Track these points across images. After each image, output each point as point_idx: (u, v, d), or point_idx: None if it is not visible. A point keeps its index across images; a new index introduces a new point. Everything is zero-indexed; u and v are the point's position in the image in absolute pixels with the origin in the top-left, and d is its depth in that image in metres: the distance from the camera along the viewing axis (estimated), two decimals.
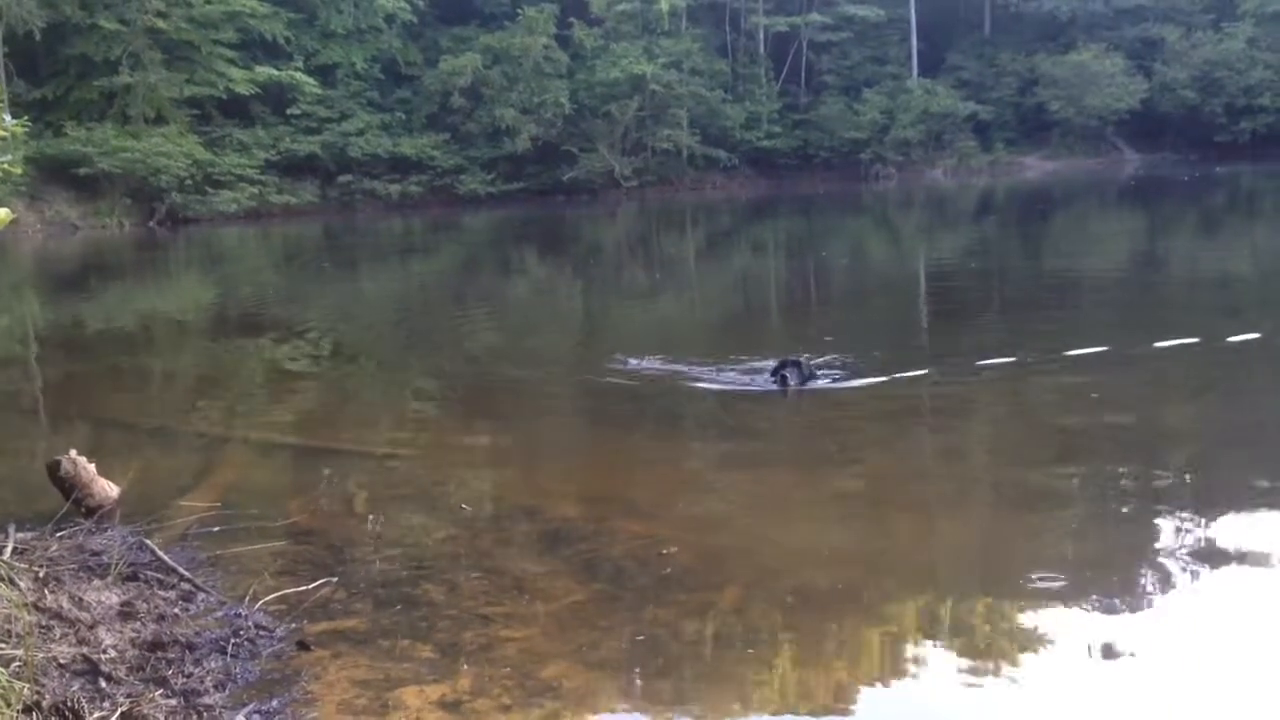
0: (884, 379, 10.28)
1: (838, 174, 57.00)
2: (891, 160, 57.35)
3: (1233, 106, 55.62)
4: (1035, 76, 58.59)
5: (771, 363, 10.50)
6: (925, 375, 10.52)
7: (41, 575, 5.80)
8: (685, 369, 11.17)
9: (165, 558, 6.13)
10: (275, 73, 51.26)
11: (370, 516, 7.44)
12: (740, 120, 57.38)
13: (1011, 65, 59.70)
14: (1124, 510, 6.75)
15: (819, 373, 10.45)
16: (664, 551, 6.29)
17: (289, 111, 52.37)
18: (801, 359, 10.41)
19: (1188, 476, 7.34)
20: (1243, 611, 5.34)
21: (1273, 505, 6.79)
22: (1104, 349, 10.92)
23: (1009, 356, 10.79)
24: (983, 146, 58.76)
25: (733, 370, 11.00)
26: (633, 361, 11.66)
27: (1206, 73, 55.75)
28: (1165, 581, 5.63)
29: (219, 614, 5.55)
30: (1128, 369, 10.39)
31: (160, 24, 47.70)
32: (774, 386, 10.10)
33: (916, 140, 57.23)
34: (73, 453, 7.19)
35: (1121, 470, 7.46)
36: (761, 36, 59.96)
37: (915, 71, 59.67)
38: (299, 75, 52.04)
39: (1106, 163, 57.65)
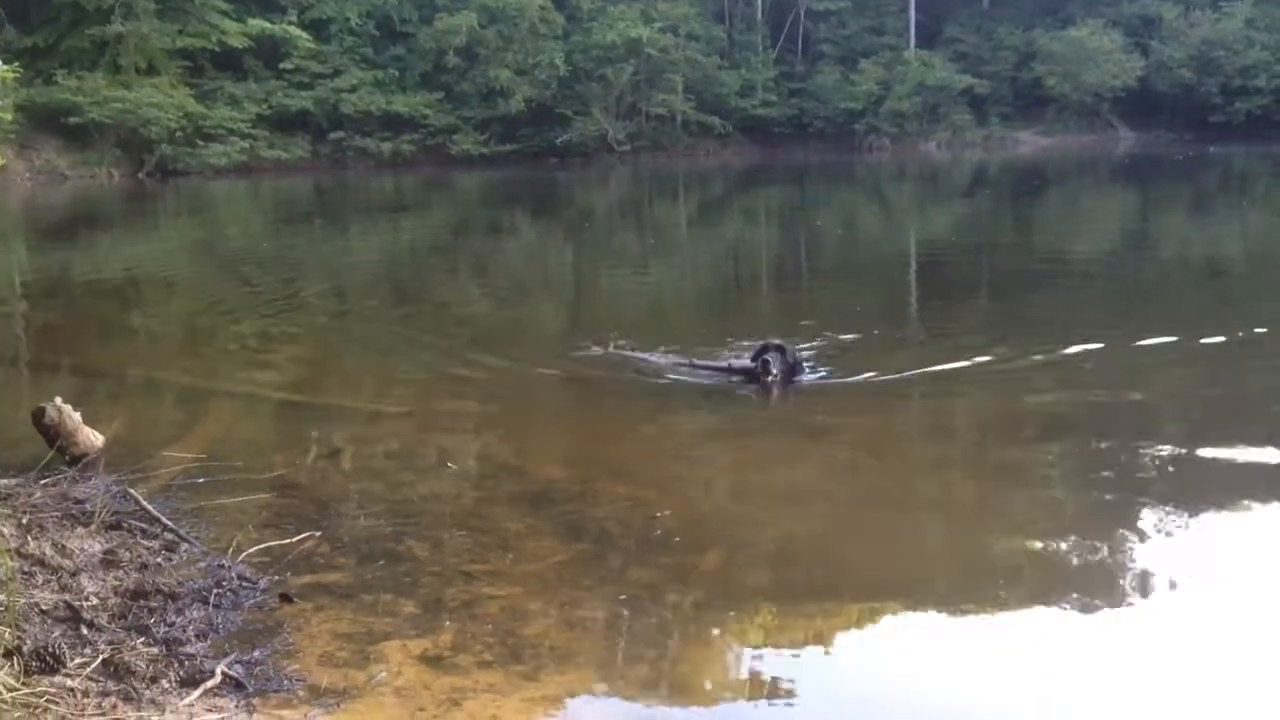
0: (873, 376, 9.50)
1: (831, 144, 56.86)
2: (886, 132, 57.19)
3: (1228, 87, 55.50)
4: (1033, 51, 58.37)
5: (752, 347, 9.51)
6: (916, 373, 9.62)
7: (25, 522, 5.80)
8: (656, 359, 10.21)
9: (149, 507, 6.13)
10: (269, 26, 50.82)
11: (355, 472, 7.43)
12: (735, 87, 57.10)
13: (1009, 39, 59.47)
14: (1106, 498, 6.73)
15: (804, 363, 9.59)
16: (656, 514, 6.30)
17: (282, 66, 51.97)
18: (785, 344, 9.37)
19: (1171, 469, 7.30)
20: (1220, 595, 5.39)
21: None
22: (1097, 344, 10.37)
23: (1001, 349, 10.41)
24: (978, 120, 58.60)
25: (708, 360, 9.99)
26: (596, 349, 10.73)
27: (1204, 52, 55.60)
28: (1144, 566, 5.66)
29: (202, 564, 5.55)
30: (1119, 362, 9.99)
31: None
32: (752, 384, 9.14)
33: (911, 112, 57.05)
34: (58, 400, 7.17)
35: (1105, 462, 7.42)
36: (759, 3, 59.63)
37: (912, 43, 59.43)
38: (292, 29, 51.60)
39: (1101, 140, 57.57)
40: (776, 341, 9.38)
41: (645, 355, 10.39)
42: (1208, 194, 32.39)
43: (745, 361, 9.40)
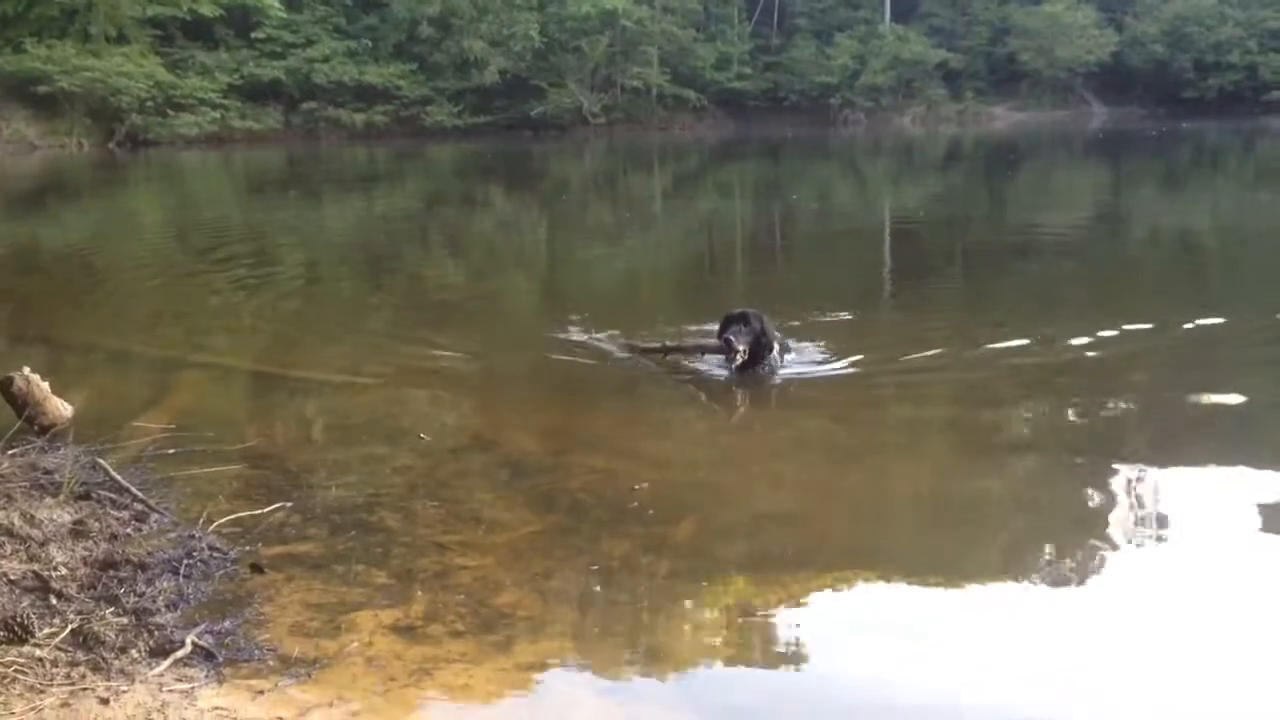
0: (851, 362, 8.98)
1: (807, 118, 56.82)
2: (861, 106, 57.27)
3: (1201, 62, 55.76)
4: (1007, 26, 58.51)
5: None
6: (893, 360, 9.13)
7: None
8: (617, 350, 9.61)
9: (118, 478, 6.08)
10: None
11: (327, 443, 7.41)
12: (711, 60, 57.01)
13: (984, 14, 59.55)
14: (1077, 478, 6.75)
15: (777, 338, 8.72)
16: (635, 487, 6.30)
17: (253, 35, 51.54)
18: (751, 311, 8.56)
19: (1144, 452, 7.31)
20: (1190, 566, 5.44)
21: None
22: (1088, 326, 9.83)
23: (977, 332, 9.97)
24: (952, 95, 58.72)
25: (678, 343, 9.36)
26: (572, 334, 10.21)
27: (1177, 28, 55.84)
28: (1114, 537, 5.70)
29: (172, 535, 5.51)
30: (1100, 351, 9.37)
31: None
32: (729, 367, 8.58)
33: (886, 87, 57.12)
34: (26, 370, 7.10)
35: (1078, 446, 7.43)
36: None
37: (888, 17, 59.44)
38: None
39: (1074, 115, 57.81)
40: (739, 310, 8.59)
41: (613, 343, 9.82)
42: (1182, 170, 32.51)
43: (714, 340, 8.72)
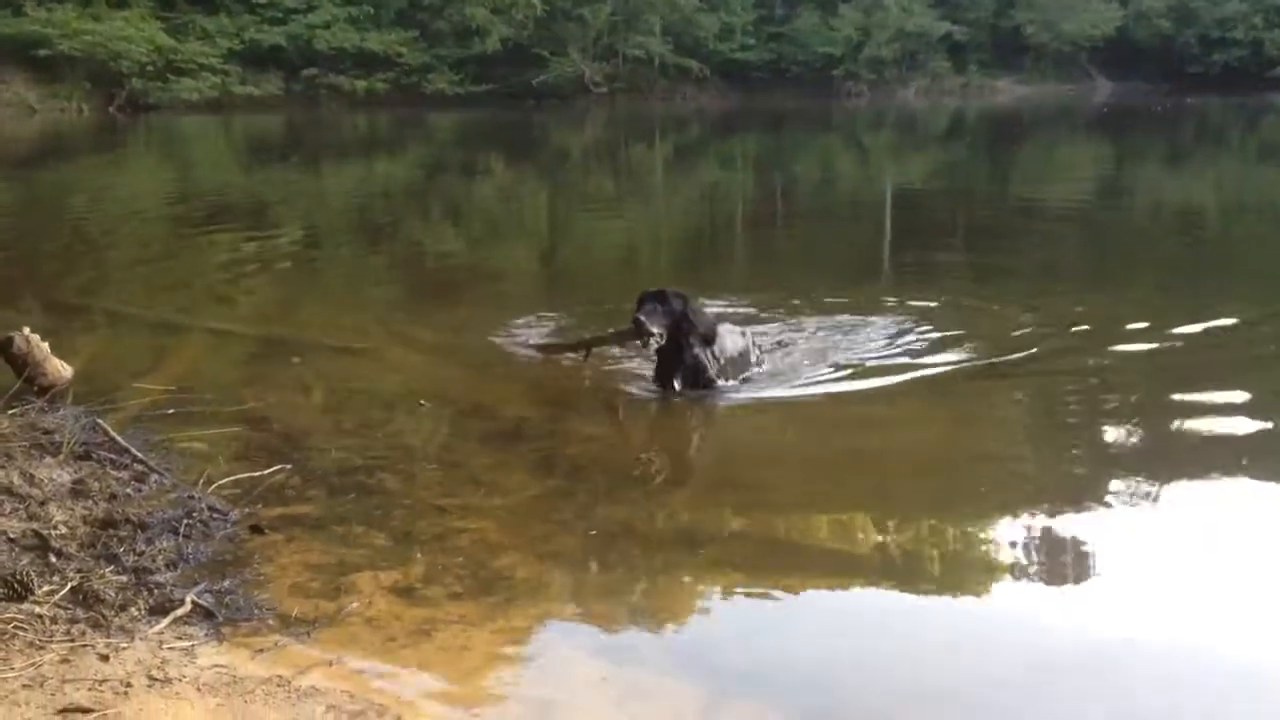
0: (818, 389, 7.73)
1: (810, 90, 56.46)
2: (864, 78, 56.99)
3: (1206, 38, 55.59)
4: None
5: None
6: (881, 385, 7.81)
7: None
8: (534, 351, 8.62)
9: (118, 438, 6.08)
10: None
11: (327, 407, 7.41)
12: (714, 30, 56.58)
13: None
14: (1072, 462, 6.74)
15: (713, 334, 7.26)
16: (641, 455, 6.30)
17: (254, 0, 51.22)
18: (673, 292, 7.16)
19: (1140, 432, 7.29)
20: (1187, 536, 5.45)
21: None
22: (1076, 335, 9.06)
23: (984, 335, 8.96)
24: (956, 68, 58.46)
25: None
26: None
27: (1183, 3, 55.64)
28: (1109, 507, 5.70)
29: (172, 495, 5.51)
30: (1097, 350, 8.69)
31: None
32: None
33: (890, 59, 56.84)
34: (26, 330, 7.10)
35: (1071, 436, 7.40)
36: None
37: None
38: None
39: (1078, 90, 57.57)
40: (657, 288, 7.21)
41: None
42: (1190, 145, 32.39)
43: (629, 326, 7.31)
